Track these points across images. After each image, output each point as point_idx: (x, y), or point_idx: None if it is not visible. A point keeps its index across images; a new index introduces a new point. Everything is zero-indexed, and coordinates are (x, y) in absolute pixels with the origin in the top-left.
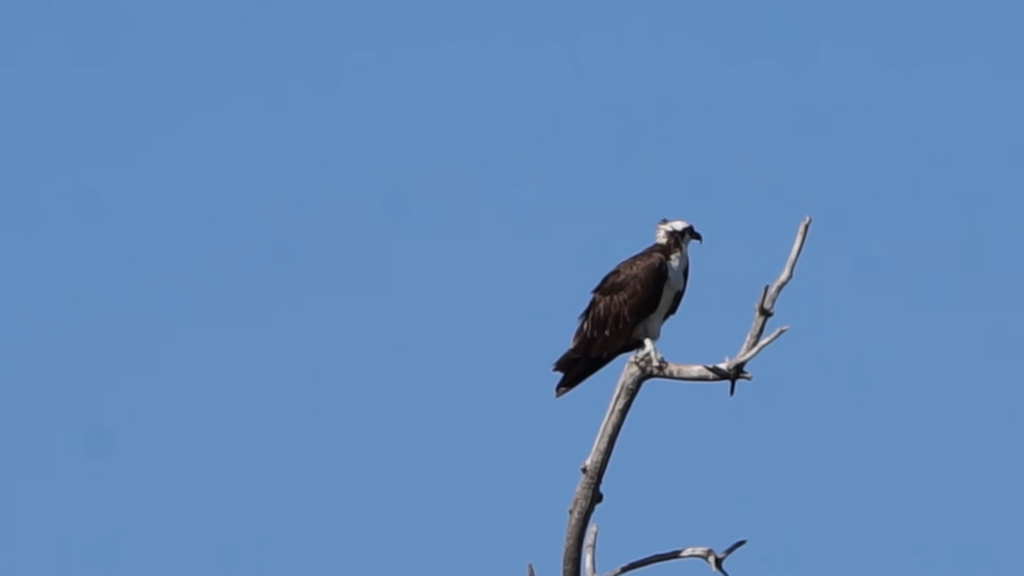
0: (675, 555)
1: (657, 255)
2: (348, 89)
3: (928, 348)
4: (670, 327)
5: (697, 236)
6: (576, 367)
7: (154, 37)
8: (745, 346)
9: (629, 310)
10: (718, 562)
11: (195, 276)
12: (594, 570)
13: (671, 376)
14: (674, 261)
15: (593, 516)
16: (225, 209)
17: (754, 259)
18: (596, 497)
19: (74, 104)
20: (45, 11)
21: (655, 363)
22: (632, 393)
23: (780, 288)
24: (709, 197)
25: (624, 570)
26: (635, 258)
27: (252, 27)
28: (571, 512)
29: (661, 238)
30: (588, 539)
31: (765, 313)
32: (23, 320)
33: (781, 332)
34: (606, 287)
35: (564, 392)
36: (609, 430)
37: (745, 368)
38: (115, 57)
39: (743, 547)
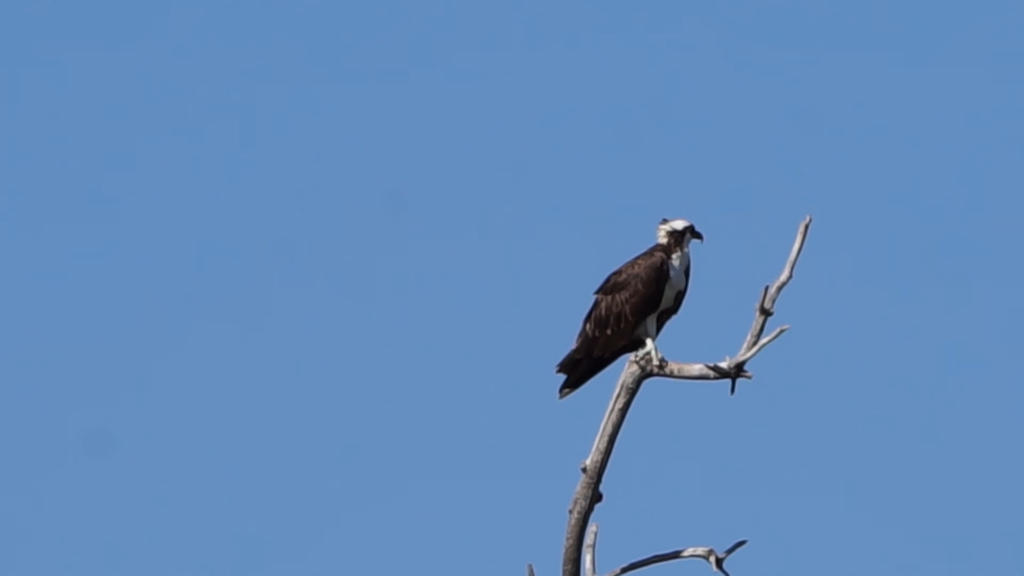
0: (676, 555)
1: (659, 254)
2: (349, 89)
3: (928, 348)
4: (671, 326)
5: (698, 235)
6: (579, 368)
7: (155, 37)
8: (745, 345)
9: (631, 309)
10: (719, 562)
11: (195, 276)
12: (594, 570)
13: (671, 375)
14: (675, 260)
15: (593, 516)
16: (225, 209)
17: (754, 259)
18: (596, 497)
19: (74, 104)
20: (46, 10)
21: (655, 362)
22: (632, 392)
23: (780, 288)
24: (709, 197)
25: (624, 570)
26: (637, 258)
27: (253, 27)
28: (571, 512)
29: (662, 238)
30: (588, 539)
31: (765, 312)
32: (23, 320)
33: (781, 331)
34: (608, 287)
35: (567, 393)
36: (609, 429)
37: (745, 367)
38: (116, 57)
39: (743, 547)
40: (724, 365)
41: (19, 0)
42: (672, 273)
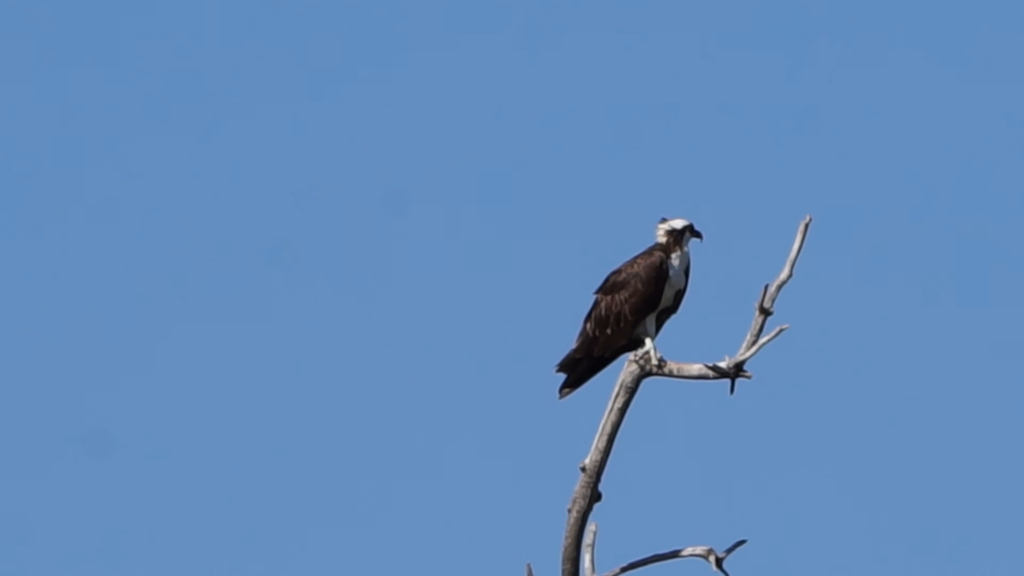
0: (675, 554)
1: (658, 254)
2: (348, 89)
3: (928, 347)
4: (670, 325)
5: (697, 234)
6: (579, 368)
7: (155, 37)
8: (745, 345)
9: (630, 308)
10: (718, 561)
11: (195, 276)
12: (593, 569)
13: (670, 374)
14: (675, 260)
15: (592, 515)
16: (225, 209)
17: (754, 258)
18: (595, 496)
19: (74, 104)
20: (46, 11)
21: (654, 361)
22: (631, 391)
23: (780, 287)
24: (709, 197)
25: (623, 570)
26: (636, 257)
27: (252, 27)
28: (570, 511)
29: (661, 237)
30: (587, 538)
31: (765, 312)
32: (23, 320)
33: (781, 331)
34: (607, 286)
35: (567, 393)
36: (608, 429)
37: (745, 367)
38: (116, 57)
39: (743, 547)
40: (723, 365)
41: (17, 0)
42: (671, 272)
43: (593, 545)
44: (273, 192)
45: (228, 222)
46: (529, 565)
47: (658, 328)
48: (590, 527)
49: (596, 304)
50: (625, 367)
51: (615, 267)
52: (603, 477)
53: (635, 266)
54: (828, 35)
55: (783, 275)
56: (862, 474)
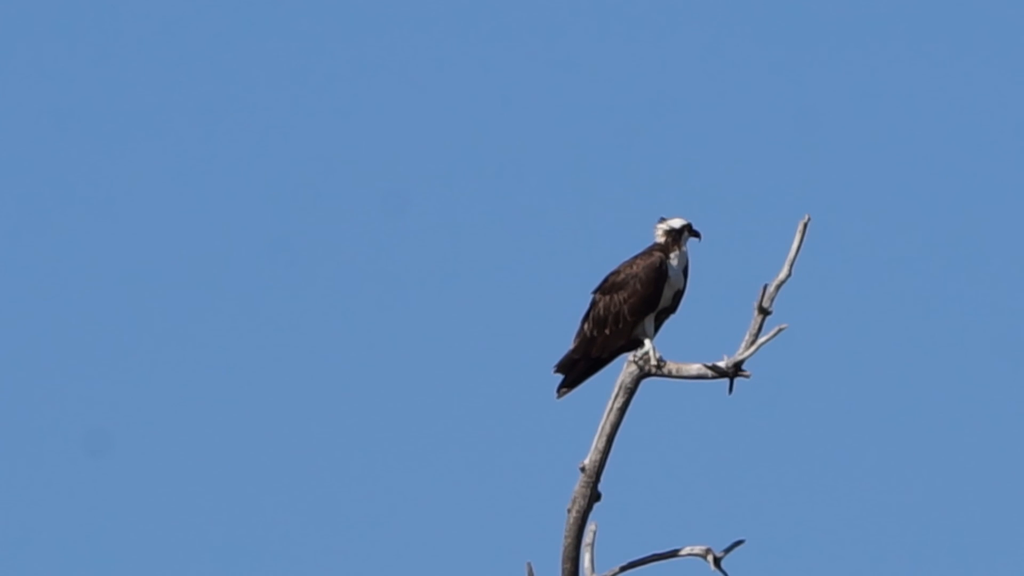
0: (673, 554)
1: (657, 254)
2: (348, 89)
3: (927, 347)
4: (669, 325)
5: (696, 234)
6: (577, 368)
7: (155, 36)
8: (744, 344)
9: (629, 309)
10: (716, 561)
11: (195, 275)
12: (593, 569)
13: (669, 374)
14: (673, 260)
15: (592, 515)
16: (225, 209)
17: (753, 258)
18: (595, 496)
19: (74, 103)
20: (45, 10)
21: (653, 361)
22: (631, 392)
23: (779, 286)
24: (708, 197)
25: (623, 569)
26: (635, 257)
27: (252, 27)
28: (569, 511)
29: (659, 237)
30: (587, 538)
31: (764, 311)
32: (23, 319)
33: (780, 330)
34: (606, 287)
35: (565, 393)
36: (608, 429)
37: (744, 366)
38: (115, 56)
39: (742, 546)
40: (722, 364)
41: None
42: (671, 273)
43: (593, 544)
44: (272, 192)
45: (228, 222)
46: (529, 564)
47: (657, 328)
48: (590, 527)
49: (594, 304)
50: (624, 367)
51: (614, 267)
52: (602, 477)
53: (634, 267)
54: (828, 35)
55: (782, 275)
56: (861, 474)
